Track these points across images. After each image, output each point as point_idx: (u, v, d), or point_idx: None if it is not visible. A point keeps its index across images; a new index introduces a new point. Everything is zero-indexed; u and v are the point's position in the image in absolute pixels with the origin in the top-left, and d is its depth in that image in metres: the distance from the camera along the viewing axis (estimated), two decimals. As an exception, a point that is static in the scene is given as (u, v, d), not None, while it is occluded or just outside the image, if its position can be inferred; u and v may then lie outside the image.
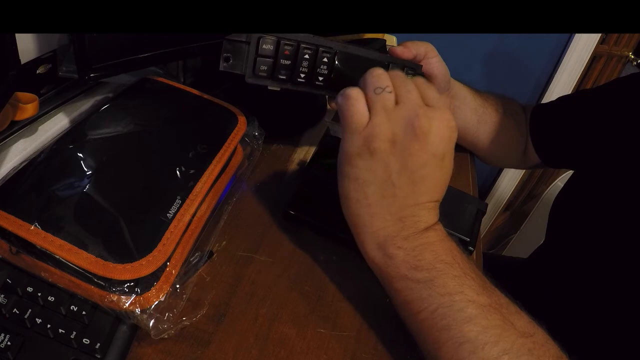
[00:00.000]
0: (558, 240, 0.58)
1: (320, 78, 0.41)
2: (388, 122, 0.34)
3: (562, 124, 0.60)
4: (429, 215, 0.36)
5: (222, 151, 0.42)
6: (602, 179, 0.51)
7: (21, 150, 0.41)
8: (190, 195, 0.37)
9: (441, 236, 0.35)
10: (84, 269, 0.30)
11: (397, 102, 0.35)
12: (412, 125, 0.33)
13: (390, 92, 0.35)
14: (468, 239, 0.41)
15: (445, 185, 0.36)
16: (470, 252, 0.42)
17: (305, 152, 0.55)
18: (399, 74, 0.37)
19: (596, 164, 0.53)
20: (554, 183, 1.39)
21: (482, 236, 0.61)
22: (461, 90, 0.58)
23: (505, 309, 0.32)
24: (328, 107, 0.42)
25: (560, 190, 0.60)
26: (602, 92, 0.58)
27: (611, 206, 0.48)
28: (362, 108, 0.35)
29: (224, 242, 0.41)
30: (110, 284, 0.30)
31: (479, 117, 0.60)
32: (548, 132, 0.61)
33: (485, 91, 0.63)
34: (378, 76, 0.35)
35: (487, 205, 0.46)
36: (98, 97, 0.50)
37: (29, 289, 0.31)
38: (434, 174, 0.35)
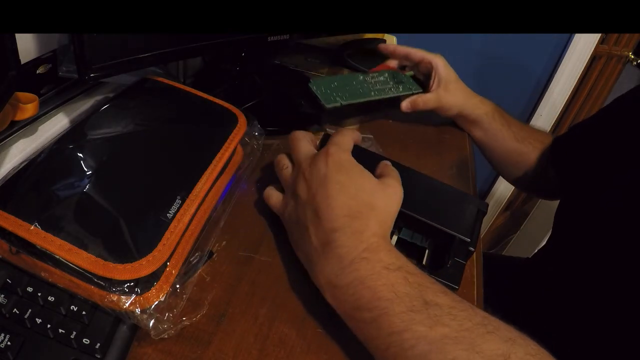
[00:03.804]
0: (563, 241, 0.59)
1: None
2: (291, 187, 0.41)
3: (585, 154, 0.60)
4: (350, 241, 0.34)
5: (222, 151, 0.42)
6: (609, 178, 0.51)
7: (21, 150, 0.41)
8: (190, 195, 0.37)
9: (375, 268, 0.32)
10: (84, 269, 0.30)
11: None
12: (298, 179, 0.40)
13: (286, 168, 0.43)
14: (469, 240, 0.41)
15: (355, 204, 0.36)
16: (471, 253, 0.41)
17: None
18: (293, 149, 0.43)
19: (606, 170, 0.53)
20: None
21: (482, 236, 0.61)
22: (491, 125, 0.66)
23: (471, 332, 0.29)
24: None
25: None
26: (610, 114, 0.59)
27: (618, 208, 0.48)
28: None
29: (224, 242, 0.41)
30: (110, 284, 0.30)
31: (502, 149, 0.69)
32: (572, 164, 0.62)
33: (519, 124, 0.69)
34: (278, 160, 0.44)
35: (487, 205, 0.46)
36: (98, 97, 0.50)
37: (29, 289, 0.31)
38: (329, 194, 0.36)
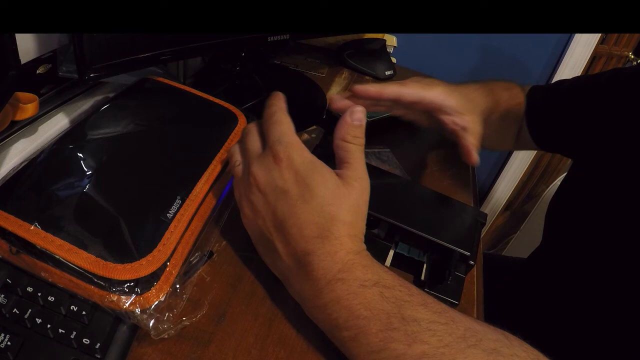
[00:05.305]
0: (555, 240, 0.59)
1: None
2: (243, 190, 0.37)
3: (558, 104, 0.59)
4: (324, 262, 0.32)
5: (222, 151, 0.42)
6: (599, 176, 0.51)
7: (21, 150, 0.41)
8: (190, 195, 0.37)
9: (351, 287, 0.31)
10: (84, 269, 0.30)
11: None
12: (250, 183, 0.36)
13: (238, 166, 0.38)
14: (469, 253, 0.39)
15: (322, 218, 0.33)
16: (472, 266, 0.40)
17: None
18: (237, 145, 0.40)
19: (591, 158, 0.53)
20: (554, 183, 1.39)
21: (481, 237, 0.61)
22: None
23: (451, 348, 0.28)
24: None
25: (557, 190, 0.60)
26: (603, 79, 0.56)
27: (609, 204, 0.48)
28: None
29: (224, 242, 0.41)
30: (110, 284, 0.30)
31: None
32: (542, 112, 0.60)
33: (482, 81, 0.61)
34: (231, 154, 0.40)
35: (486, 215, 0.44)
36: (98, 97, 0.50)
37: (29, 289, 0.31)
38: (292, 212, 0.33)
